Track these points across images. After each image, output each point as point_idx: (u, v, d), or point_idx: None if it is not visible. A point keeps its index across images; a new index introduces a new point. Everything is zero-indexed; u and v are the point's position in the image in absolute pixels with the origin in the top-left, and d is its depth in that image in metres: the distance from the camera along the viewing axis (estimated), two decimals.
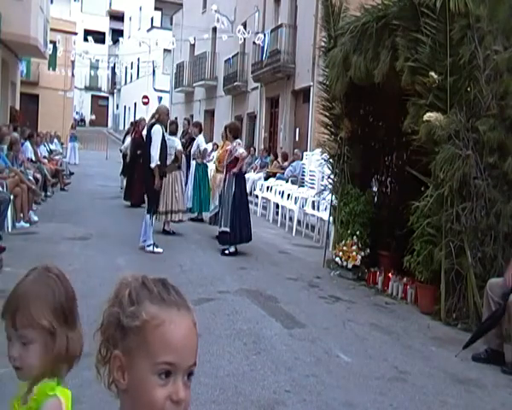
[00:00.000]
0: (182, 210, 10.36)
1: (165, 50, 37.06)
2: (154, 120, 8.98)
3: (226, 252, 8.94)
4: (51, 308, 1.37)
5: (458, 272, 6.26)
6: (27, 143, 13.99)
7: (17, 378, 1.43)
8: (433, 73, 6.26)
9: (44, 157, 16.22)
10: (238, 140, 9.36)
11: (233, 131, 9.44)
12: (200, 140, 12.16)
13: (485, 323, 5.25)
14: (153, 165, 8.60)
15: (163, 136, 8.86)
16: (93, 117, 53.30)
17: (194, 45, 25.69)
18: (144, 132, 12.24)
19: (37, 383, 1.37)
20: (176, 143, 10.52)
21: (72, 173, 18.93)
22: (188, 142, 12.69)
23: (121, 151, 15.56)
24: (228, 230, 8.80)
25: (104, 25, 52.72)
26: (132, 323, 1.03)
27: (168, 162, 9.57)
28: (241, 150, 9.08)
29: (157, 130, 8.76)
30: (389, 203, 8.87)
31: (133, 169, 12.93)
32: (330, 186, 9.20)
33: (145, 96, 34.55)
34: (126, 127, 36.16)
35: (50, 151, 19.24)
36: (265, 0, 22.91)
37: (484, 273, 6.11)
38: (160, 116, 8.96)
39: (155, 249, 8.57)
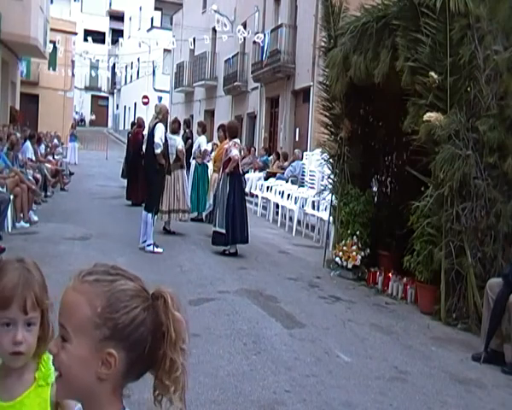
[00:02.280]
0: (183, 209, 10.35)
1: (165, 50, 37.06)
2: (157, 120, 9.00)
3: (226, 252, 8.93)
4: (46, 290, 1.51)
5: (458, 272, 6.26)
6: (27, 143, 14.00)
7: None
8: (433, 73, 6.26)
9: (47, 154, 16.25)
10: (236, 140, 9.28)
11: (229, 131, 9.39)
12: (201, 140, 12.15)
13: (491, 321, 5.22)
14: (158, 151, 8.63)
15: (165, 133, 8.90)
16: (93, 117, 53.29)
17: (193, 45, 25.67)
18: (145, 132, 12.26)
19: (42, 355, 1.51)
20: (177, 142, 10.51)
21: (72, 173, 18.89)
22: (184, 141, 12.66)
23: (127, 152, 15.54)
24: (223, 231, 8.77)
25: (104, 25, 52.71)
26: None
27: (170, 162, 9.58)
28: (235, 152, 8.97)
29: (160, 126, 8.82)
30: (389, 203, 8.87)
31: (135, 168, 12.89)
32: (330, 186, 9.19)
33: (145, 96, 34.57)
34: (126, 127, 36.23)
35: (50, 150, 19.20)
36: (265, 0, 22.90)
37: (484, 273, 6.11)
38: (164, 116, 9.02)
39: (155, 249, 8.57)
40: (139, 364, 1.10)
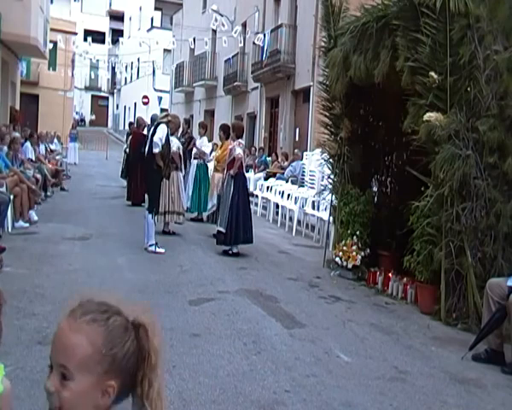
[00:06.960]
0: (177, 211, 10.22)
1: (165, 50, 37.08)
2: (162, 120, 8.99)
3: (230, 252, 8.93)
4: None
5: (458, 272, 6.26)
6: (27, 143, 14.00)
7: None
8: (433, 73, 6.26)
9: (47, 155, 16.20)
10: (240, 140, 9.31)
11: (237, 131, 9.41)
12: (202, 141, 12.15)
13: (489, 323, 5.22)
14: (156, 150, 8.61)
15: (167, 135, 8.89)
16: (93, 117, 53.30)
17: (194, 45, 25.69)
18: (145, 132, 12.22)
19: None
20: (173, 143, 10.45)
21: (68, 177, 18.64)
22: (187, 141, 12.67)
23: (126, 152, 15.57)
24: (223, 230, 8.79)
25: (104, 25, 52.72)
26: None
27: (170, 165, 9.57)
28: (239, 151, 9.00)
29: (162, 127, 8.82)
30: (389, 203, 8.87)
31: (135, 168, 12.88)
32: (330, 186, 9.19)
33: (145, 96, 34.61)
34: (126, 127, 36.24)
35: (50, 151, 19.17)
36: (265, 0, 22.91)
37: (484, 273, 6.11)
38: (171, 122, 9.01)
39: (157, 249, 8.56)
40: (126, 387, 1.21)
